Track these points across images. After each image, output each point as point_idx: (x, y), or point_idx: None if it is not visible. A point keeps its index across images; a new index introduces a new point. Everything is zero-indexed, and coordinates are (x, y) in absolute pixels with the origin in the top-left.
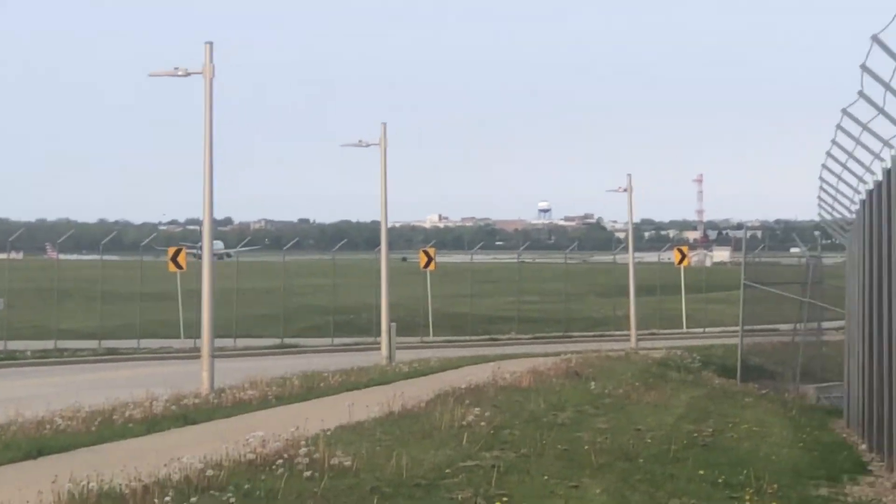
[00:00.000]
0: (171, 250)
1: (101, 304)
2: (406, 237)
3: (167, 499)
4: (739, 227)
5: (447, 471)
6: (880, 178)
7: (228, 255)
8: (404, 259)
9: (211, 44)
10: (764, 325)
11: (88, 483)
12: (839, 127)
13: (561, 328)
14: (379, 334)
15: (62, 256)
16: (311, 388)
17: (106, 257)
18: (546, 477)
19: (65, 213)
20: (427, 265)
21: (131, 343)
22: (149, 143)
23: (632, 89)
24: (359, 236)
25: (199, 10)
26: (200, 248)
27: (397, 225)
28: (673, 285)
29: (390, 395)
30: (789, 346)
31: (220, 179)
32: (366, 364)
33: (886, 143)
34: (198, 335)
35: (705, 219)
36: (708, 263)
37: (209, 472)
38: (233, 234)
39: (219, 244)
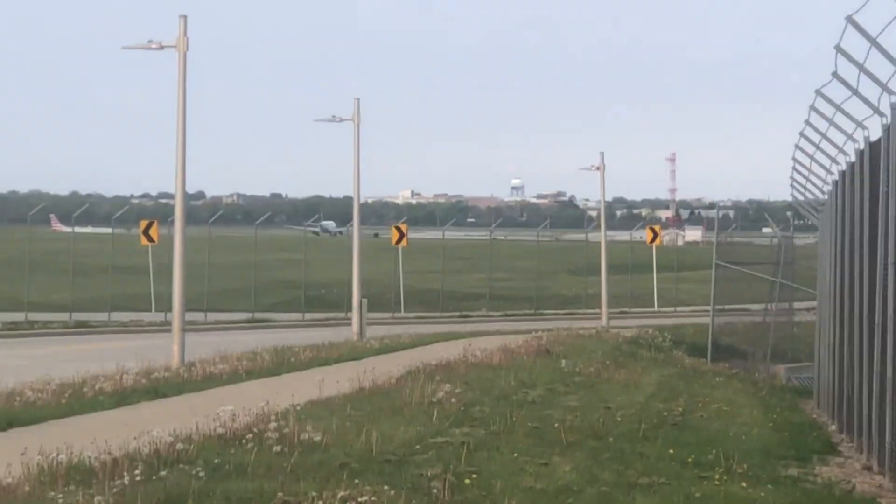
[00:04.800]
0: (143, 223)
1: (73, 276)
2: (378, 213)
3: (136, 472)
4: (712, 206)
5: (417, 447)
6: (853, 159)
7: (340, 233)
8: (376, 235)
9: (185, 17)
10: (735, 305)
11: (58, 455)
12: (812, 108)
13: (532, 306)
14: (350, 310)
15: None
16: (281, 363)
17: (78, 229)
18: (516, 454)
19: (36, 185)
20: (399, 241)
21: (102, 316)
22: (122, 116)
23: (605, 68)
24: (331, 211)
25: None
26: (318, 225)
27: (370, 200)
28: (645, 264)
29: (361, 371)
30: (760, 327)
31: (192, 153)
32: (337, 340)
33: (860, 125)
34: (169, 309)
35: (678, 198)
36: (680, 243)
37: (179, 446)
38: (205, 209)
39: (330, 223)
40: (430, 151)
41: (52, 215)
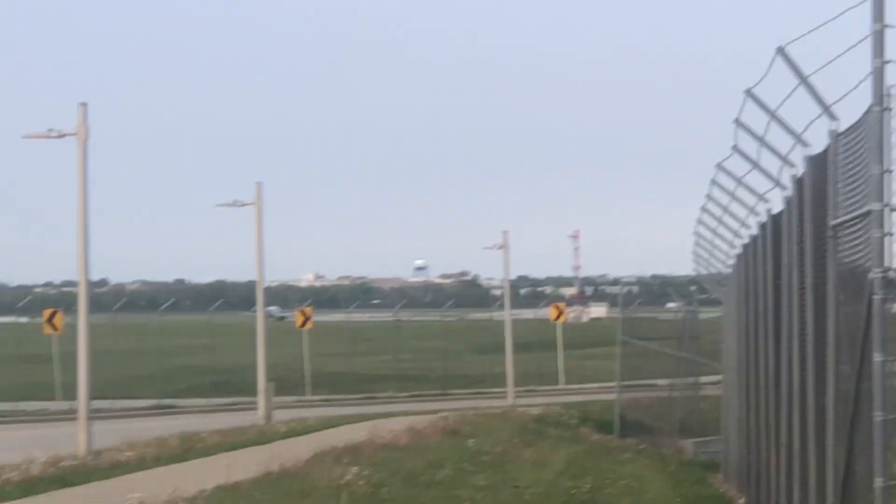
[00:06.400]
0: (47, 312)
1: None
2: (283, 296)
3: None
4: (616, 282)
5: None
6: (755, 231)
7: (283, 318)
8: (281, 318)
9: (85, 105)
10: (641, 381)
11: None
12: (714, 182)
13: (439, 386)
14: (257, 394)
15: None
16: (189, 449)
17: None
18: None
19: None
20: (304, 324)
21: (8, 405)
22: (22, 205)
23: (506, 146)
24: (235, 296)
25: (71, 71)
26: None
27: (274, 284)
28: (550, 341)
29: (268, 455)
30: (666, 401)
31: (95, 241)
32: (244, 424)
33: (761, 198)
34: (75, 397)
35: (582, 275)
36: (585, 319)
37: None
38: (109, 295)
39: (274, 308)
40: (332, 234)
41: None
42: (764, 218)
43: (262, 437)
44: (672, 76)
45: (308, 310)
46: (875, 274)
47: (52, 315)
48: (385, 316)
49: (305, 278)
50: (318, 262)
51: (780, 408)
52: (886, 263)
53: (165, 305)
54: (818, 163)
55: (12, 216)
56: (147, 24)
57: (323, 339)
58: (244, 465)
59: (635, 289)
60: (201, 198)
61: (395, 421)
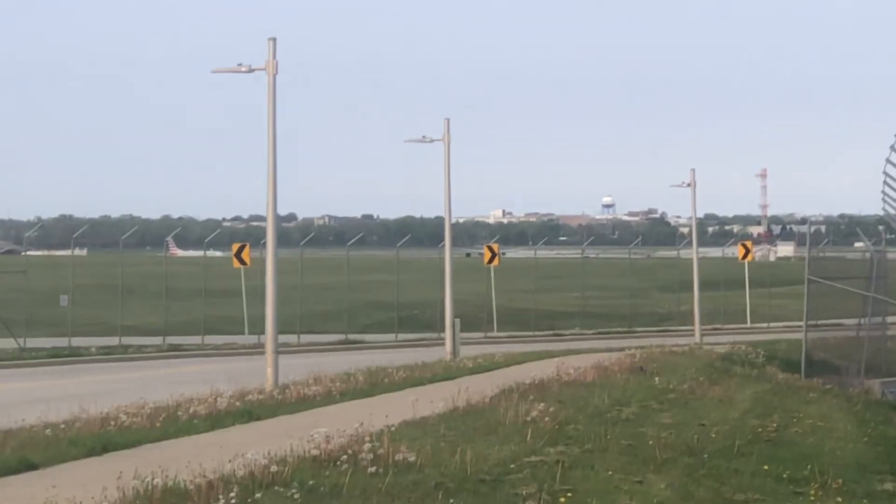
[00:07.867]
0: (235, 246)
1: (166, 300)
2: (470, 233)
3: (231, 495)
4: (803, 221)
5: (511, 466)
6: None
7: (469, 255)
8: (468, 255)
9: (274, 40)
10: (828, 320)
11: (153, 479)
12: None
13: (625, 323)
14: (443, 330)
15: (126, 251)
16: (375, 384)
17: (180, 253)
18: (610, 472)
19: (128, 209)
20: (491, 261)
21: (195, 339)
22: (212, 139)
23: (695, 84)
24: (423, 232)
25: (261, 6)
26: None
27: (461, 220)
28: (737, 280)
29: (454, 391)
30: (854, 341)
31: (283, 175)
32: (430, 360)
33: None
34: (262, 331)
35: (769, 213)
36: (772, 258)
37: (273, 468)
38: (297, 230)
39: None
40: (520, 170)
41: (168, 240)
42: None
43: (448, 372)
44: (865, 11)
45: (495, 246)
46: None
47: (241, 249)
48: (572, 253)
49: (493, 214)
50: (506, 198)
51: None
52: None
53: (353, 241)
54: None
55: (203, 150)
56: None
57: (510, 275)
58: (431, 400)
59: (823, 228)
60: (390, 133)
61: (581, 358)
